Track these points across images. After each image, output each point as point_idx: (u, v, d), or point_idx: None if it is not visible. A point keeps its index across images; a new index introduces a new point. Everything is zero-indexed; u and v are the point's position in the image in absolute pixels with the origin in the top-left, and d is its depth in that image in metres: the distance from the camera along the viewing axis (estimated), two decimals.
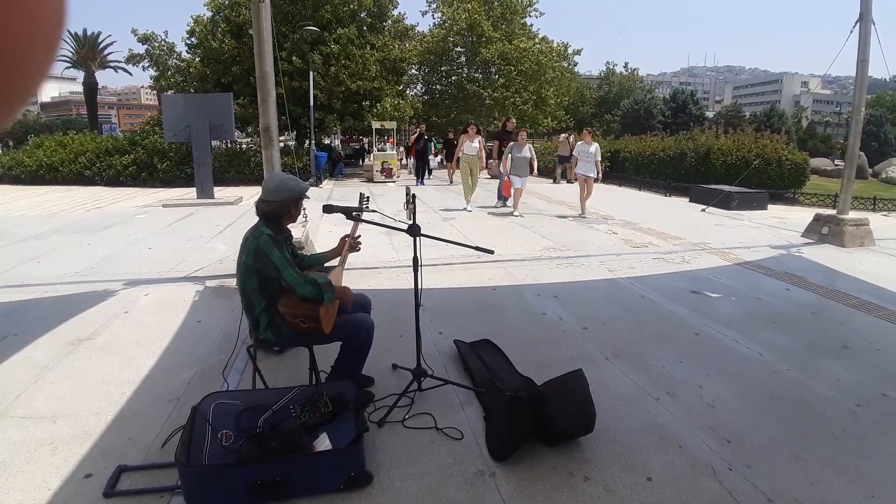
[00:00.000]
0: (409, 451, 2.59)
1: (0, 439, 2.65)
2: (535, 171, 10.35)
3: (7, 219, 9.96)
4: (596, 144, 9.77)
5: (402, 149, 25.86)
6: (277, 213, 2.77)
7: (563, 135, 19.37)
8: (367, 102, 20.45)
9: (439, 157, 25.78)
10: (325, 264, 3.25)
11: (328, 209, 3.07)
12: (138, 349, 3.80)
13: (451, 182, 15.75)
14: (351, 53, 18.99)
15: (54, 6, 0.31)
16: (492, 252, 3.18)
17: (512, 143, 10.01)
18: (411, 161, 19.12)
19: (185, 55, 20.48)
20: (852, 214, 7.69)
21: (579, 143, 9.83)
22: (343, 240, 3.20)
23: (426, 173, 17.70)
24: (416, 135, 17.10)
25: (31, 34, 0.30)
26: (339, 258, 3.19)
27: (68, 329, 4.17)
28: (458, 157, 10.63)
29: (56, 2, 0.31)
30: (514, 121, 12.97)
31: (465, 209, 10.45)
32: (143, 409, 2.99)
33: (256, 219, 2.82)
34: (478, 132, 10.87)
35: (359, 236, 3.23)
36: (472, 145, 10.33)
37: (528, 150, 9.81)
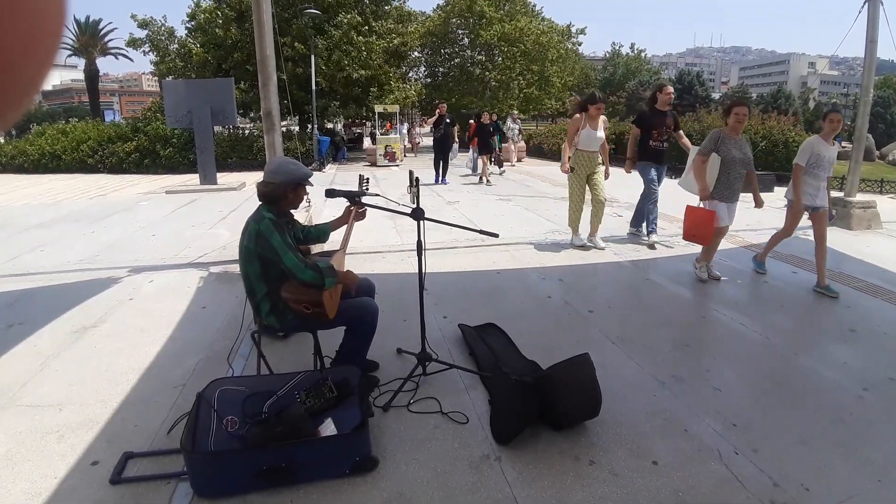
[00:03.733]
0: (415, 435, 2.59)
1: (6, 428, 2.66)
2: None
3: (11, 208, 9.98)
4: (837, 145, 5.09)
5: (416, 129, 25.19)
6: (274, 195, 2.73)
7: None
8: (375, 88, 20.34)
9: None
10: (325, 248, 3.21)
11: (331, 193, 3.04)
12: (143, 336, 3.80)
13: (484, 181, 12.30)
14: (353, 40, 18.84)
15: (55, 3, 0.31)
16: (496, 235, 3.15)
17: (717, 131, 5.02)
18: (472, 154, 13.93)
19: (185, 39, 20.32)
20: (859, 197, 7.61)
21: (812, 139, 4.85)
22: (349, 209, 3.16)
23: (467, 166, 14.27)
24: (435, 117, 12.92)
25: (32, 32, 0.29)
26: (340, 240, 3.16)
27: (73, 317, 4.18)
28: (568, 154, 6.14)
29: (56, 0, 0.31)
30: (671, 89, 6.76)
31: (574, 244, 6.29)
32: (148, 395, 3.00)
33: (259, 204, 2.80)
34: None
35: (363, 209, 3.21)
36: (596, 134, 6.00)
37: (746, 146, 5.04)
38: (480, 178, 12.55)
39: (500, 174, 14.14)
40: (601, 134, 6.10)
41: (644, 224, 6.61)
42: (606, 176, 6.33)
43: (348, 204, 3.15)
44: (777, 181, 11.78)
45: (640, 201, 6.67)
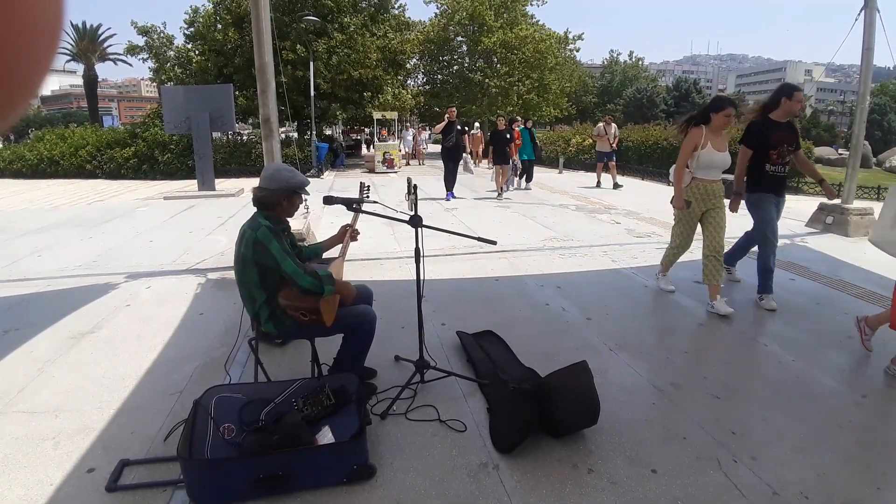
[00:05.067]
0: (413, 443, 2.58)
1: (2, 434, 2.65)
2: None
3: (8, 213, 9.96)
4: None
5: (420, 136, 24.97)
6: (269, 201, 2.73)
7: (601, 123, 13.82)
8: (369, 93, 20.44)
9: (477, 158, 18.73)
10: (324, 255, 3.23)
11: (329, 200, 3.04)
12: (140, 342, 3.79)
13: (500, 194, 11.09)
14: (354, 42, 18.98)
15: (52, 5, 0.31)
16: (494, 243, 3.15)
17: None
18: (492, 168, 11.83)
19: (183, 45, 20.40)
20: (856, 204, 7.63)
21: None
22: (343, 228, 3.18)
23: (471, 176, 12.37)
24: (444, 123, 10.96)
25: (29, 35, 0.29)
26: (339, 246, 3.17)
27: (70, 323, 4.16)
28: (682, 181, 4.50)
29: (54, 1, 0.31)
30: (802, 97, 4.75)
31: (661, 286, 4.96)
32: (145, 402, 2.98)
33: (255, 211, 2.80)
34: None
35: (357, 233, 3.24)
36: (719, 156, 4.38)
37: None
38: (499, 193, 11.10)
39: (527, 189, 12.48)
40: (726, 154, 4.43)
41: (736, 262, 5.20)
42: (734, 208, 4.72)
43: (343, 224, 3.18)
44: None
45: (744, 239, 5.08)
